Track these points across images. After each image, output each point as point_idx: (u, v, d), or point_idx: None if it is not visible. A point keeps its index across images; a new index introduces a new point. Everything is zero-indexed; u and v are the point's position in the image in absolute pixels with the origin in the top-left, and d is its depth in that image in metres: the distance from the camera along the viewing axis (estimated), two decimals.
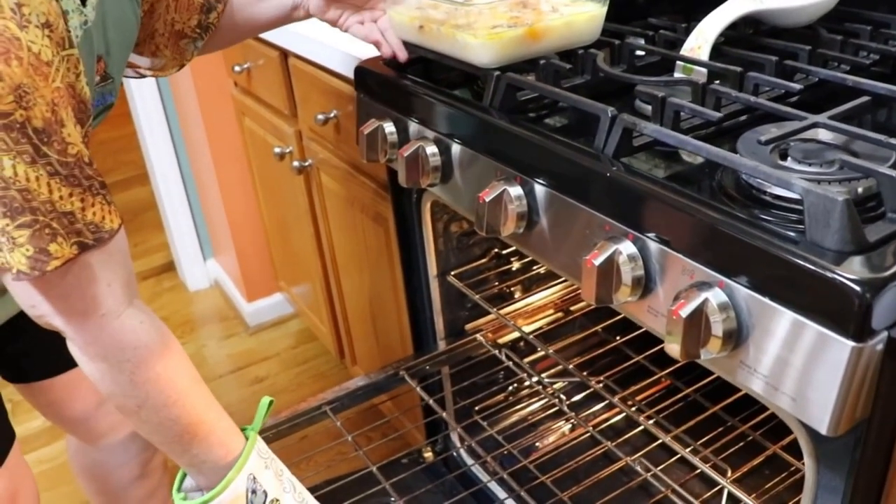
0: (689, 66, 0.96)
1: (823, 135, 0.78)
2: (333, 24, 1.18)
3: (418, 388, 1.32)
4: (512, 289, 1.45)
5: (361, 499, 1.23)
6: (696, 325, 0.67)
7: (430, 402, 1.32)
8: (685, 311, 0.67)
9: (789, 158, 0.75)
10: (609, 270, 0.75)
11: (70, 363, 0.87)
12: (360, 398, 1.30)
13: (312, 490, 1.24)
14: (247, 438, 0.94)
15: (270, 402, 0.97)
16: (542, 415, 1.52)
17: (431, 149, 1.04)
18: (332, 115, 1.53)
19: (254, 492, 0.90)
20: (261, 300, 2.56)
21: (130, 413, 0.89)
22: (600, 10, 1.06)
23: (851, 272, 0.59)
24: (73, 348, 0.85)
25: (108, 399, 0.89)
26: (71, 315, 0.81)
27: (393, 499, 1.20)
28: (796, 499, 1.11)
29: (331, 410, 1.25)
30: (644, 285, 0.76)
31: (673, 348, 0.69)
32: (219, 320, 2.65)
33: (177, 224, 2.70)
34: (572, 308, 1.49)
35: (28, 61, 0.68)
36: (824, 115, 0.78)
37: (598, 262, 0.75)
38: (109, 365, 0.85)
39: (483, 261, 1.39)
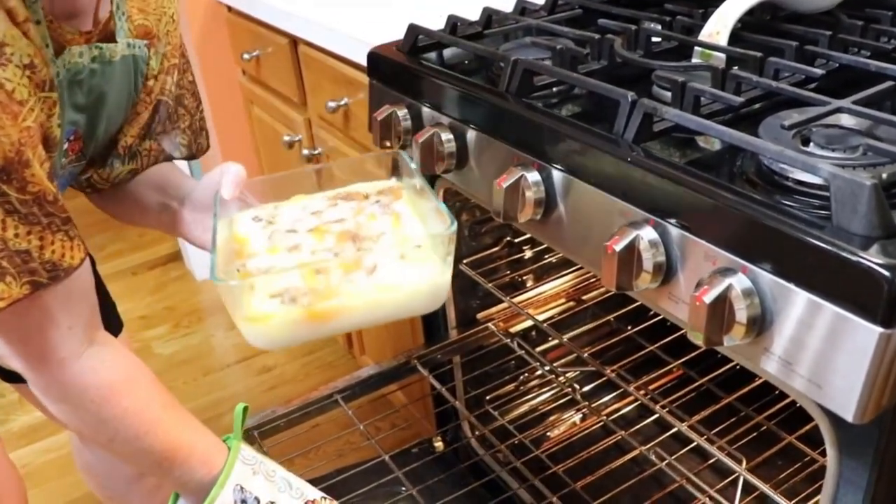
0: (707, 51, 0.95)
1: (846, 120, 0.77)
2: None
3: (430, 377, 1.31)
4: (524, 277, 1.45)
5: (373, 488, 1.22)
6: (720, 311, 0.66)
7: (442, 390, 1.31)
8: (709, 298, 0.66)
9: (812, 144, 0.74)
10: (630, 257, 0.74)
11: None
12: (372, 387, 1.29)
13: (323, 479, 1.24)
14: (229, 449, 0.91)
15: (245, 409, 0.95)
16: (554, 404, 1.51)
17: (446, 135, 1.02)
18: (342, 102, 1.52)
19: (243, 501, 0.88)
20: None
21: (103, 446, 0.87)
22: (443, 277, 0.80)
23: (880, 257, 0.58)
24: (35, 390, 0.84)
25: (77, 435, 0.87)
26: (29, 359, 0.80)
27: (405, 488, 1.20)
28: (811, 489, 1.11)
29: (342, 399, 1.24)
30: (665, 272, 0.75)
31: (695, 335, 0.68)
32: (226, 310, 2.64)
33: None
34: (584, 297, 1.48)
35: None
36: (848, 99, 0.77)
37: (618, 247, 0.74)
38: (73, 406, 0.83)
39: (495, 249, 1.38)
